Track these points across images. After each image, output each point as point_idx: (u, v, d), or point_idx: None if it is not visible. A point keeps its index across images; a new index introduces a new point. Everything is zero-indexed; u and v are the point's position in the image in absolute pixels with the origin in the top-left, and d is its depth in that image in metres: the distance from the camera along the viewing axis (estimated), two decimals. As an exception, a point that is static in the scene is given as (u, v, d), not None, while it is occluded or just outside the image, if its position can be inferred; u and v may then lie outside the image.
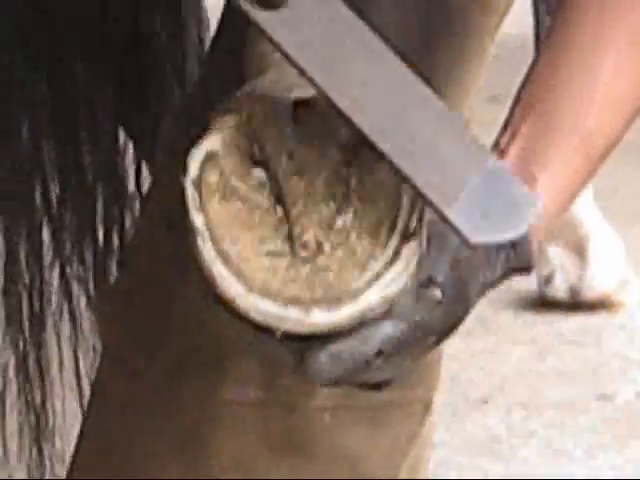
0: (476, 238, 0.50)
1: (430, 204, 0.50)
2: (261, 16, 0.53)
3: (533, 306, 2.01)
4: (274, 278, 0.51)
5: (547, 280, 1.90)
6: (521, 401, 1.86)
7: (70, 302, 1.01)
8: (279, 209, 0.53)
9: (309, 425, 0.75)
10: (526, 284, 1.95)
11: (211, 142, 0.54)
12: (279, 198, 0.53)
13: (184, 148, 0.55)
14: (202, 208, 0.53)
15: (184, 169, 0.53)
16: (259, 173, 0.54)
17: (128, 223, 0.98)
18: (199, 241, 0.51)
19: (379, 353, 0.53)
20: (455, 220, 0.49)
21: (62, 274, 1.00)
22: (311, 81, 0.52)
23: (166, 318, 0.76)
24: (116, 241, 0.99)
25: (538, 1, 2.04)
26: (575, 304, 1.95)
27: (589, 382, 1.88)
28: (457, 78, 0.81)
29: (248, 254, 0.52)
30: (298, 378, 0.59)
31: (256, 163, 0.54)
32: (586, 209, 1.91)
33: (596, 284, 1.97)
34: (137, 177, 0.99)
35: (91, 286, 1.01)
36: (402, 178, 0.51)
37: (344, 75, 0.54)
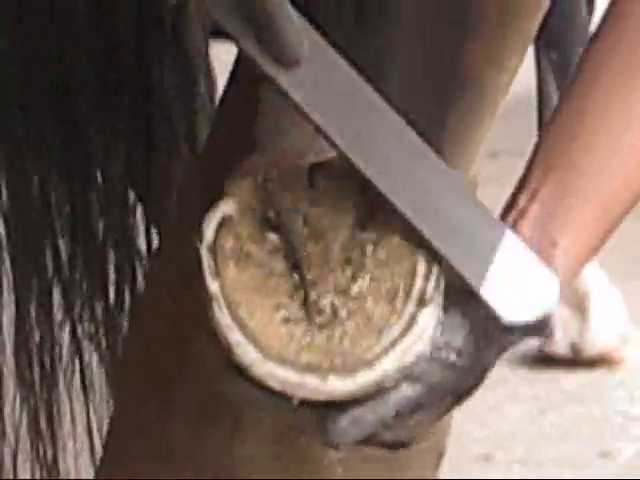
0: (510, 317, 0.52)
1: (463, 280, 0.53)
2: (278, 74, 0.54)
3: (534, 362, 2.02)
4: (290, 345, 0.51)
5: (547, 336, 1.88)
6: (521, 458, 1.86)
7: (81, 359, 1.01)
8: (295, 274, 0.52)
9: (323, 477, 0.75)
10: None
11: (226, 207, 0.54)
12: (295, 263, 0.52)
13: (198, 211, 0.56)
14: (218, 274, 0.52)
15: (199, 234, 0.53)
16: (274, 238, 0.53)
17: (139, 281, 0.98)
18: (215, 307, 0.51)
19: (397, 415, 0.53)
20: (489, 299, 0.51)
21: (73, 332, 1.00)
22: (328, 139, 0.53)
23: (180, 377, 0.76)
24: (127, 299, 0.99)
25: (541, 58, 2.06)
26: (576, 360, 1.97)
27: (590, 439, 1.88)
28: (472, 137, 0.83)
29: (264, 320, 0.52)
30: (316, 440, 0.58)
31: (271, 228, 0.53)
32: (587, 265, 1.90)
33: (596, 341, 1.98)
34: (147, 236, 0.99)
35: (102, 343, 1.01)
36: (422, 243, 0.52)
37: (360, 135, 0.55)
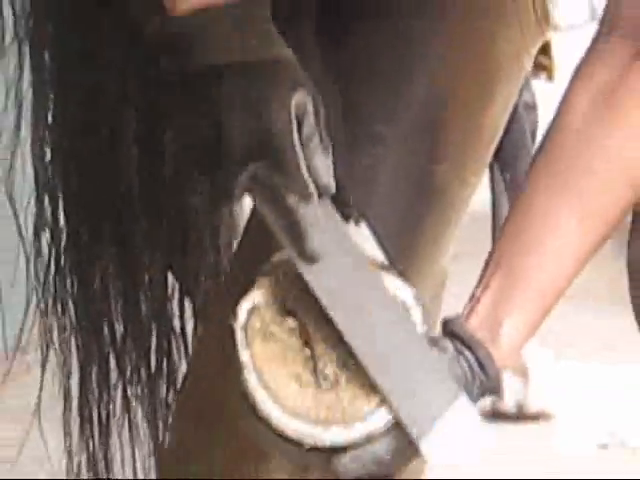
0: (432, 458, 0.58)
1: (406, 431, 0.58)
2: (300, 265, 0.61)
3: (486, 417, 1.94)
4: (303, 403, 0.57)
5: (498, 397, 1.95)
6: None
7: (129, 414, 1.12)
8: (306, 349, 0.59)
9: None
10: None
11: (255, 297, 0.61)
12: (306, 341, 0.59)
13: (233, 298, 0.63)
14: (248, 347, 0.59)
15: (235, 316, 0.60)
16: (291, 321, 0.60)
17: (174, 354, 1.10)
18: (245, 372, 0.58)
19: (386, 454, 0.59)
20: (423, 450, 0.57)
21: (124, 392, 1.10)
22: (331, 319, 0.60)
23: (215, 428, 0.83)
24: (165, 368, 1.10)
25: (495, 178, 2.14)
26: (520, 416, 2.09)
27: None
28: (442, 247, 0.90)
29: (283, 384, 0.58)
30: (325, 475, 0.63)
31: (289, 313, 0.61)
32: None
33: (536, 400, 2.09)
34: (181, 318, 1.10)
35: (146, 402, 1.10)
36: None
37: (357, 319, 0.60)
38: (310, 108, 0.63)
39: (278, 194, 0.62)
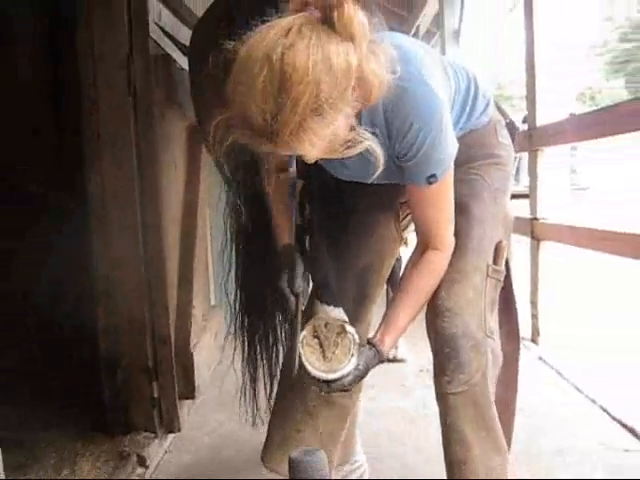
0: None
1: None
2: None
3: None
4: (319, 366, 1.51)
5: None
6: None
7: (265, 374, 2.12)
8: (322, 349, 1.52)
9: None
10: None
11: (306, 331, 1.55)
12: (321, 345, 1.53)
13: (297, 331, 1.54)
14: (302, 349, 1.52)
15: (300, 339, 1.52)
16: (316, 341, 1.53)
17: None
18: (303, 358, 1.51)
19: (353, 380, 1.52)
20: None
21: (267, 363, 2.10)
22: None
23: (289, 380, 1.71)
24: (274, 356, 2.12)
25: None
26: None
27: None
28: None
29: (313, 359, 1.51)
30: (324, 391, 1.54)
31: (316, 337, 1.54)
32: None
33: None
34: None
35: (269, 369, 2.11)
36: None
37: None
38: None
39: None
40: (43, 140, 3.62)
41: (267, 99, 1.12)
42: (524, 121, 3.96)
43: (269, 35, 1.15)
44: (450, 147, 1.45)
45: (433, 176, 1.45)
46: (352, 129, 1.23)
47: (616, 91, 26.52)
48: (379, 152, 1.24)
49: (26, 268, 3.45)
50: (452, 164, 1.48)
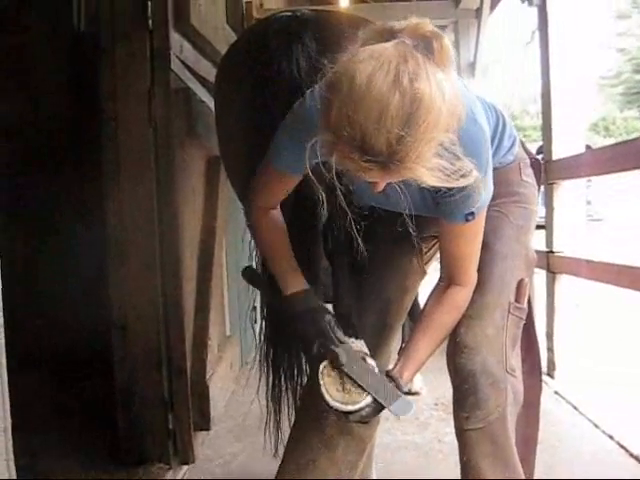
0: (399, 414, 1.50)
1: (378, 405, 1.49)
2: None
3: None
4: (338, 397, 1.49)
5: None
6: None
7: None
8: (342, 382, 1.51)
9: None
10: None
11: (324, 366, 1.54)
12: (341, 379, 1.51)
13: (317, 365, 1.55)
14: (322, 380, 1.51)
15: (319, 372, 1.52)
16: (337, 373, 1.52)
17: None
18: (322, 389, 1.50)
19: (369, 414, 1.51)
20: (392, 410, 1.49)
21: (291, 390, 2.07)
22: (348, 373, 1.52)
23: (313, 408, 1.76)
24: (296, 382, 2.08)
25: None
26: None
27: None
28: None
29: (333, 390, 1.50)
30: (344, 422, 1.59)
31: (335, 368, 1.54)
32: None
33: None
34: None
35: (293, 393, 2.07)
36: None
37: (357, 372, 1.53)
38: None
39: None
40: (66, 175, 3.69)
41: (396, 124, 1.14)
42: (539, 152, 3.97)
43: (384, 60, 1.16)
44: (490, 185, 1.46)
45: (471, 214, 1.47)
46: (458, 158, 1.24)
47: (630, 122, 26.68)
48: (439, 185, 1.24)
49: (43, 298, 3.48)
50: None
